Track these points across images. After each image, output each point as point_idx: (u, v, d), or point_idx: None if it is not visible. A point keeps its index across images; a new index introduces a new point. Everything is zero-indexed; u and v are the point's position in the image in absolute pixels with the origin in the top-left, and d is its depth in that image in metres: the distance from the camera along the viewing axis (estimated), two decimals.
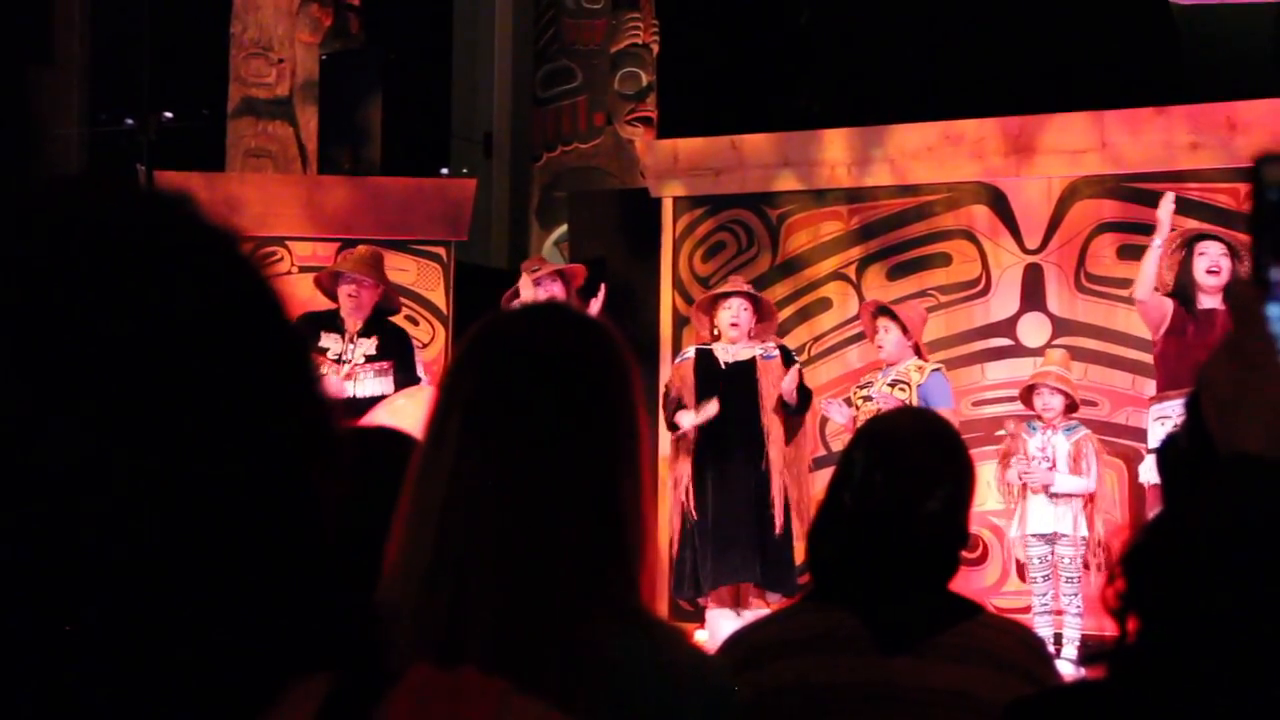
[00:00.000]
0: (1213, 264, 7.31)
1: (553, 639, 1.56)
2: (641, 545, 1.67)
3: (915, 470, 2.45)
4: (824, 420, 9.08)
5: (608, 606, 1.61)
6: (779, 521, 7.83)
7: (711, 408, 7.85)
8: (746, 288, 8.35)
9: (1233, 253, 7.32)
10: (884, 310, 8.10)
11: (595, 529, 1.62)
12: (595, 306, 8.24)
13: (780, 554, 7.88)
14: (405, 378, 8.07)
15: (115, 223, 0.84)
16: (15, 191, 0.85)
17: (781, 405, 7.91)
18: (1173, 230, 7.65)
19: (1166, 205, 7.53)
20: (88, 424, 0.79)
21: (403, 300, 9.07)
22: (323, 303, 8.20)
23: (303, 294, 8.05)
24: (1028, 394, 7.95)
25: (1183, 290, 7.42)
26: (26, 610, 0.79)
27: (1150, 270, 7.44)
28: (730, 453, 7.88)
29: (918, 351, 8.04)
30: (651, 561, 1.68)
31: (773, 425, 7.88)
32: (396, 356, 8.10)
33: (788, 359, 8.02)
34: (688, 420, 7.95)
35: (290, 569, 0.85)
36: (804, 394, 7.97)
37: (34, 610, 0.79)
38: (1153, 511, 7.26)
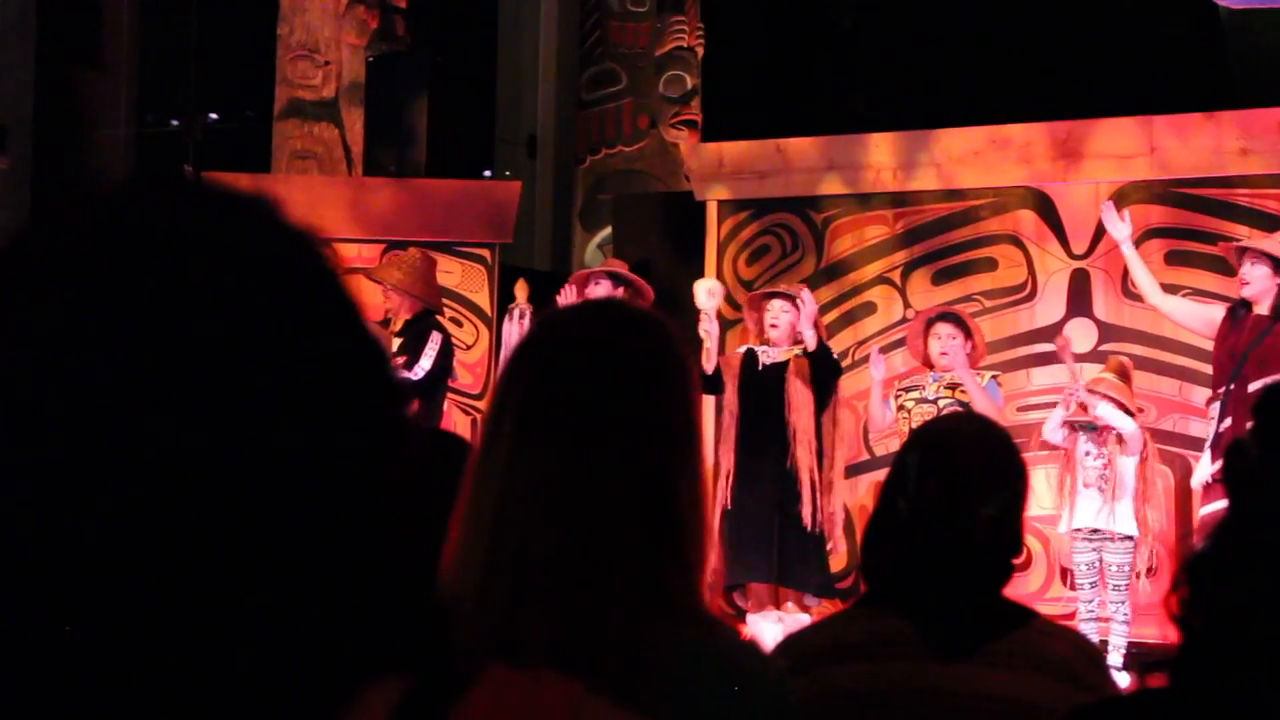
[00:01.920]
0: (1243, 276, 7.28)
1: (610, 637, 1.55)
2: (700, 544, 1.65)
3: (970, 476, 2.43)
4: (867, 425, 9.05)
5: (667, 605, 1.60)
6: (807, 521, 7.78)
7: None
8: (788, 289, 8.29)
9: (1273, 263, 7.26)
10: (950, 316, 8.01)
11: (652, 527, 1.61)
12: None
13: (806, 554, 7.82)
14: (407, 373, 8.03)
15: (197, 223, 0.84)
16: (93, 194, 0.85)
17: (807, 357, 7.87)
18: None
19: (1107, 213, 7.69)
20: (171, 422, 0.79)
21: (447, 302, 9.09)
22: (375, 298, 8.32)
23: None
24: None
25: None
26: (100, 604, 0.79)
27: (1140, 276, 7.56)
28: (757, 452, 7.87)
29: (970, 359, 7.96)
30: (709, 560, 1.67)
31: (800, 424, 7.84)
32: (409, 354, 8.09)
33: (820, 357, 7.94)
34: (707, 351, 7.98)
35: (362, 568, 0.85)
36: (828, 363, 7.91)
37: (107, 606, 0.79)
38: (1201, 513, 7.21)
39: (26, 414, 0.79)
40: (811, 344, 7.85)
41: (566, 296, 8.28)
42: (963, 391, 7.79)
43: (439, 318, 8.59)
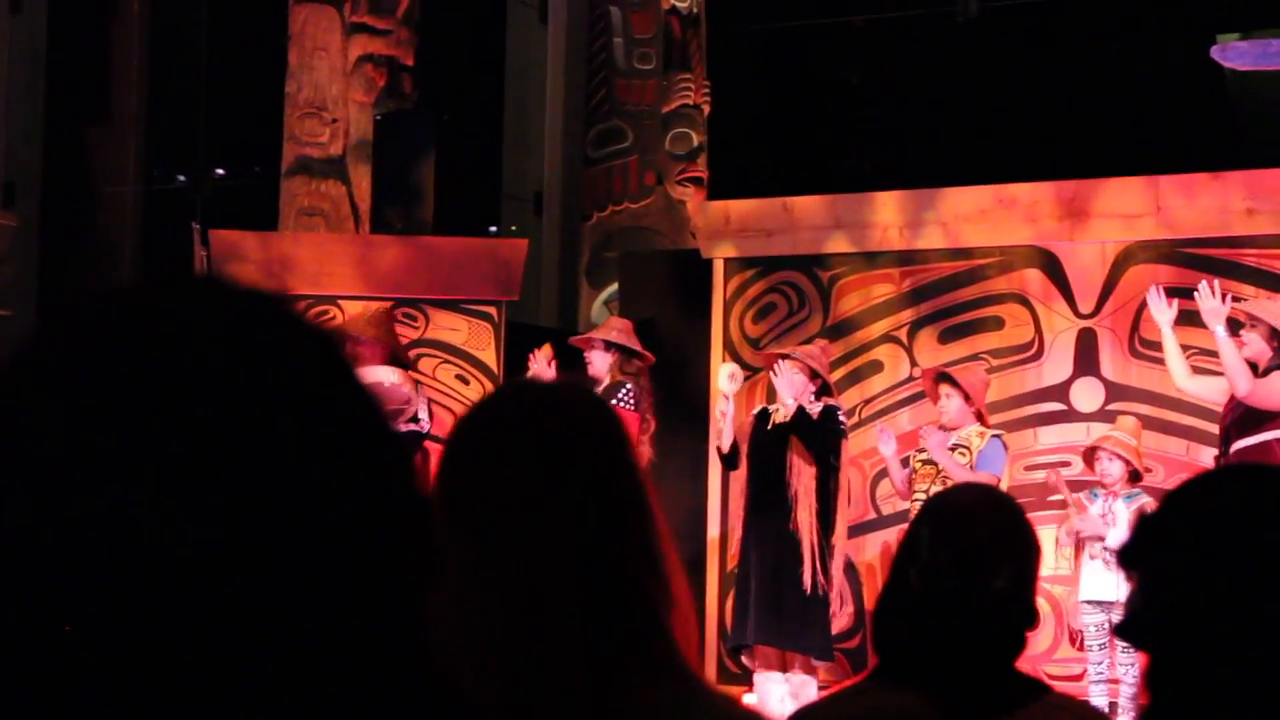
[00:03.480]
0: (1241, 338, 7.26)
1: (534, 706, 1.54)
2: (665, 607, 1.61)
3: (982, 548, 2.42)
4: (875, 483, 9.03)
5: (623, 667, 1.56)
6: (808, 583, 7.74)
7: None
8: (791, 350, 8.28)
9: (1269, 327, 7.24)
10: (945, 377, 8.02)
11: (582, 608, 1.57)
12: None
13: (806, 617, 7.78)
14: (414, 426, 8.07)
15: (215, 324, 0.84)
16: (106, 300, 0.86)
17: (794, 429, 7.87)
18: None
19: (1153, 298, 7.62)
20: (202, 514, 0.80)
21: (453, 360, 9.09)
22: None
23: None
24: (1090, 457, 7.90)
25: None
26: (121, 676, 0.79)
27: (1174, 360, 7.49)
28: (762, 513, 7.88)
29: (980, 418, 7.96)
30: (683, 621, 1.63)
31: (801, 487, 7.82)
32: None
33: (824, 419, 7.91)
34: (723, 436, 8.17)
35: (388, 662, 0.85)
36: (817, 431, 7.88)
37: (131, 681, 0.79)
38: None
39: (58, 514, 0.79)
40: (789, 410, 7.86)
41: (539, 360, 8.31)
42: (962, 453, 7.79)
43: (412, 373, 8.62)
